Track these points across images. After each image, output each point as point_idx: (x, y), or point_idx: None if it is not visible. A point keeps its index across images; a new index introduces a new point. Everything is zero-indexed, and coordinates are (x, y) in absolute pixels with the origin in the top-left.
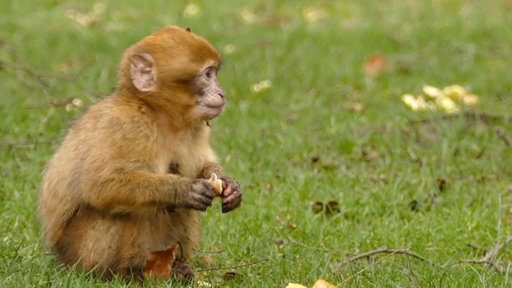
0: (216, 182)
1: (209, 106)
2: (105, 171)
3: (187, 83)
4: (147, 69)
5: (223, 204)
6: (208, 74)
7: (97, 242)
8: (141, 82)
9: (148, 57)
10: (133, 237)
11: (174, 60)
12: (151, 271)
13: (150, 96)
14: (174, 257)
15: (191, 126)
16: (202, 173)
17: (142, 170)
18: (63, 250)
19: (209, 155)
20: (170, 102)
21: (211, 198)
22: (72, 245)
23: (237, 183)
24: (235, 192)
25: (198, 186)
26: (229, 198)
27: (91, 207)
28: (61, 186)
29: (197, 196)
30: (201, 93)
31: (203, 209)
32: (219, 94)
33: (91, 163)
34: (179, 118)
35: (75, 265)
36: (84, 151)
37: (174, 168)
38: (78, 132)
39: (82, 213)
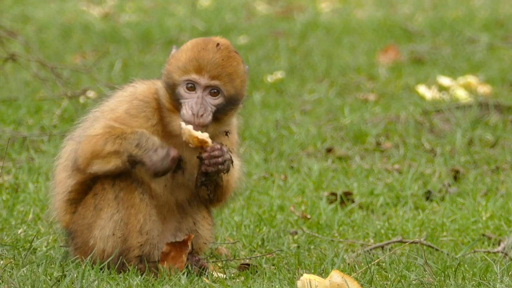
0: (191, 133)
1: (183, 119)
2: (96, 127)
3: (172, 90)
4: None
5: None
6: (189, 88)
7: (102, 230)
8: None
9: (170, 53)
10: (139, 224)
11: (171, 62)
12: (165, 262)
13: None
14: (190, 248)
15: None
16: None
17: None
18: (72, 236)
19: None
20: (161, 102)
21: (168, 169)
22: (81, 233)
23: (224, 148)
24: (215, 152)
25: (161, 152)
26: (205, 155)
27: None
28: (68, 155)
29: (154, 158)
30: (179, 104)
31: (156, 175)
32: (191, 111)
33: (91, 123)
34: (168, 121)
35: (89, 257)
36: (96, 115)
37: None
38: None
39: (88, 203)
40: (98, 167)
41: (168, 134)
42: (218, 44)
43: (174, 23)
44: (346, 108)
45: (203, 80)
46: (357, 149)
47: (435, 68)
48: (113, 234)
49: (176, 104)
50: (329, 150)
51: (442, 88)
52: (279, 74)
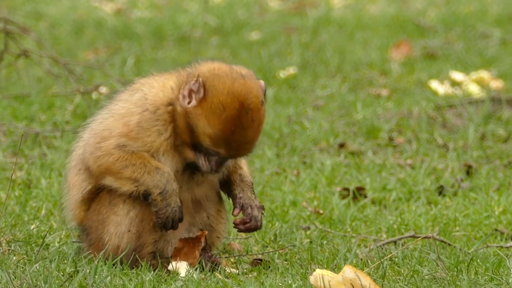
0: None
1: (198, 164)
2: (109, 142)
3: (192, 134)
4: (197, 94)
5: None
6: (215, 153)
7: (118, 226)
8: (186, 99)
9: (200, 90)
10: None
11: (199, 112)
12: (178, 258)
13: (178, 113)
14: (203, 244)
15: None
16: (230, 179)
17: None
18: (86, 232)
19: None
20: (179, 130)
21: (169, 229)
22: (95, 229)
23: (256, 209)
24: (243, 224)
25: (178, 216)
26: (237, 223)
27: (110, 190)
28: (79, 155)
29: (169, 219)
30: (199, 150)
31: (160, 227)
32: (210, 167)
33: (102, 129)
34: (180, 144)
35: (102, 252)
36: (104, 117)
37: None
38: (112, 103)
39: (103, 199)
40: (110, 183)
41: (180, 146)
42: (252, 118)
43: (187, 19)
44: (358, 103)
45: (226, 156)
46: (370, 144)
47: (447, 63)
48: (129, 231)
49: (192, 140)
50: (341, 146)
51: (454, 83)
52: (291, 70)
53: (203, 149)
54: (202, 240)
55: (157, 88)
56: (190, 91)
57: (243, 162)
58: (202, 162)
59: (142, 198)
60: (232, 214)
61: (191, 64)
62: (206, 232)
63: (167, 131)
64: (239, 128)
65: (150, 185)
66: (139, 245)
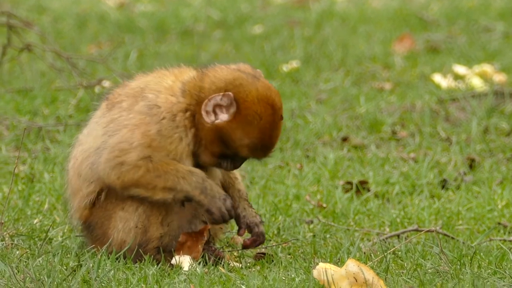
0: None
1: (219, 166)
2: (131, 155)
3: (226, 147)
4: (225, 109)
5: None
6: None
7: (126, 222)
8: (211, 115)
9: (233, 104)
10: (162, 216)
11: (242, 129)
12: (181, 252)
13: (201, 124)
14: (206, 238)
15: None
16: (227, 193)
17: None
18: (91, 229)
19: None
20: (205, 142)
21: (229, 219)
22: (101, 225)
23: (261, 225)
24: (255, 243)
25: (229, 203)
26: (248, 244)
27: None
28: (85, 166)
29: (223, 209)
30: (225, 156)
31: (217, 222)
32: (231, 168)
33: (118, 142)
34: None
35: (105, 246)
36: (114, 129)
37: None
38: (111, 109)
39: (110, 195)
40: (138, 193)
41: (200, 151)
42: (280, 115)
43: (190, 13)
44: (361, 97)
45: (266, 156)
46: (373, 138)
47: (450, 56)
48: (136, 227)
49: (223, 151)
50: (344, 139)
51: (457, 77)
52: (294, 63)
53: (235, 156)
54: (206, 234)
55: (165, 92)
56: (216, 107)
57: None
58: (226, 165)
59: (180, 204)
60: (238, 234)
61: (186, 66)
62: (210, 226)
63: (187, 136)
64: (274, 130)
65: (189, 189)
66: (145, 240)
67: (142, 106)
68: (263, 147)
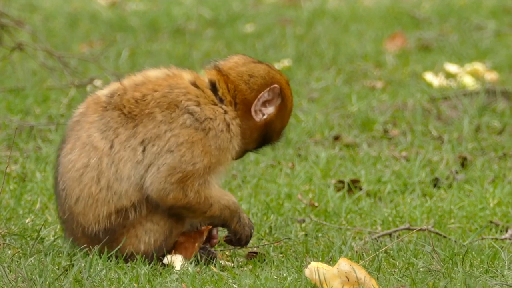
0: None
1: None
2: (194, 180)
3: (266, 138)
4: (270, 102)
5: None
6: None
7: (154, 234)
8: (259, 113)
9: (280, 96)
10: (181, 229)
11: (282, 117)
12: (177, 251)
13: (245, 124)
14: (204, 238)
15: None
16: None
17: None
18: (106, 233)
19: None
20: (247, 139)
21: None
22: (120, 234)
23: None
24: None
25: (253, 231)
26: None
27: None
28: (120, 181)
29: (249, 237)
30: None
31: (240, 246)
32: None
33: (179, 162)
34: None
35: (116, 249)
36: (161, 145)
37: None
38: (140, 121)
39: (141, 206)
40: (180, 213)
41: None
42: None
43: (181, 12)
44: (353, 95)
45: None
46: (365, 137)
47: (442, 55)
48: (164, 240)
49: (258, 144)
50: (336, 138)
51: (449, 75)
52: (286, 62)
53: (262, 145)
54: (205, 234)
55: (205, 101)
56: (264, 103)
57: None
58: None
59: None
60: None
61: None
62: (210, 227)
63: (239, 144)
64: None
65: (229, 218)
66: (160, 249)
67: (188, 119)
68: (286, 128)
